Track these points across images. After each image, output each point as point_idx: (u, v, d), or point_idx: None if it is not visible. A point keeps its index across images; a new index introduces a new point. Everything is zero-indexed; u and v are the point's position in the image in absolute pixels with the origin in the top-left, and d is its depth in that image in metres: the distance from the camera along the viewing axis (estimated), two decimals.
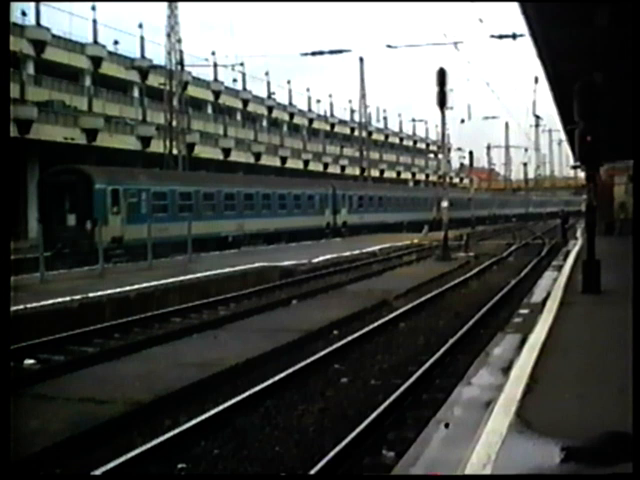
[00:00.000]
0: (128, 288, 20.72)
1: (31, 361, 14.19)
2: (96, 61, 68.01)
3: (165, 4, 62.74)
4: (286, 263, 30.25)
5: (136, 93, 75.26)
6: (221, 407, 10.32)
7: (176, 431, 9.34)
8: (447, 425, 8.69)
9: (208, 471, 8.66)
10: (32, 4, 61.08)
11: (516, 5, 15.72)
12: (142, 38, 72.38)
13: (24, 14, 60.86)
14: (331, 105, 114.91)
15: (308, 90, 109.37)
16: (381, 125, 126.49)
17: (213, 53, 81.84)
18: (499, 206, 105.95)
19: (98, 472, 8.05)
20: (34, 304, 17.28)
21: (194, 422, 9.66)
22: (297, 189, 55.68)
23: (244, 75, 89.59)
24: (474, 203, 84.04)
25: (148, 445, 8.82)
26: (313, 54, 51.60)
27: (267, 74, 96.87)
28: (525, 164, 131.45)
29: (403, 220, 62.36)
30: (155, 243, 30.98)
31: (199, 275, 24.48)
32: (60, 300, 18.32)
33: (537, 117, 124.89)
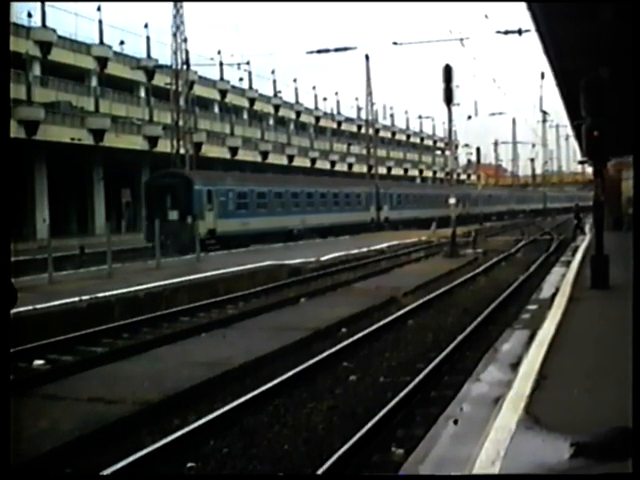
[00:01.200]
0: (136, 288, 20.74)
1: (40, 361, 14.22)
2: (102, 61, 68.12)
3: (170, 4, 62.74)
4: (294, 261, 30.26)
5: (142, 93, 75.32)
6: (230, 406, 10.32)
7: (185, 430, 9.34)
8: (456, 422, 8.68)
9: (217, 470, 8.67)
10: (38, 6, 61.21)
11: (522, 1, 15.71)
12: (148, 38, 72.59)
13: (30, 15, 61.06)
14: (338, 103, 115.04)
15: (314, 88, 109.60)
16: (388, 122, 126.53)
17: (219, 52, 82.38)
18: (517, 202, 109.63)
19: (107, 472, 8.06)
20: (43, 305, 17.31)
21: (203, 421, 9.67)
22: (348, 188, 63.24)
23: (250, 74, 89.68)
24: (494, 199, 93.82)
25: (157, 444, 8.83)
26: (319, 52, 51.61)
27: (273, 72, 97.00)
28: (532, 160, 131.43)
29: (434, 215, 64.41)
30: (239, 235, 42.73)
31: (207, 274, 24.49)
32: (68, 301, 18.35)
33: (544, 113, 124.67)
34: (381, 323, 16.98)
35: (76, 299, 18.56)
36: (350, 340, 15.05)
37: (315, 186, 58.67)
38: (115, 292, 19.92)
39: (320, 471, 8.03)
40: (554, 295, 17.63)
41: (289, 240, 46.87)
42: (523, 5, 15.95)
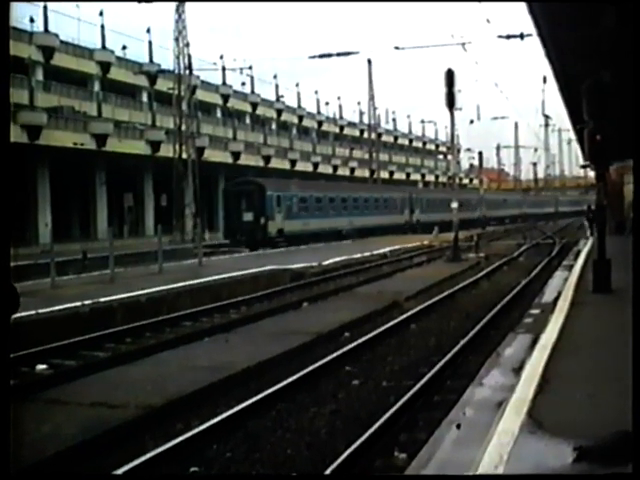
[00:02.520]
0: (139, 292, 20.75)
1: (43, 366, 14.22)
2: (105, 66, 68.22)
3: (173, 9, 62.88)
4: (296, 266, 30.27)
5: (145, 98, 75.45)
6: (233, 410, 10.33)
7: (188, 434, 9.35)
8: (459, 426, 8.68)
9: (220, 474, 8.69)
10: (40, 11, 61.28)
11: (523, 5, 15.74)
12: (150, 43, 72.67)
13: (32, 21, 61.15)
14: (340, 107, 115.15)
15: (317, 92, 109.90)
16: (390, 127, 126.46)
17: (221, 57, 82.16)
18: (529, 206, 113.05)
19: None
20: (45, 309, 17.32)
21: (206, 425, 9.68)
22: (386, 194, 69.98)
23: (252, 78, 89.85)
24: (509, 203, 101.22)
25: (160, 449, 8.83)
26: (321, 57, 51.70)
27: (275, 77, 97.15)
28: (535, 164, 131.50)
29: (470, 217, 72.31)
30: (301, 234, 50.71)
31: (210, 279, 24.50)
32: (71, 305, 18.36)
33: (546, 117, 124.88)
34: (384, 327, 16.99)
35: (79, 304, 18.56)
36: (353, 344, 15.06)
37: (360, 192, 66.32)
38: (117, 297, 19.90)
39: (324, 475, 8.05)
40: (556, 299, 17.61)
41: (339, 239, 53.43)
42: (525, 9, 15.98)
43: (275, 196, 51.71)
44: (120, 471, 8.16)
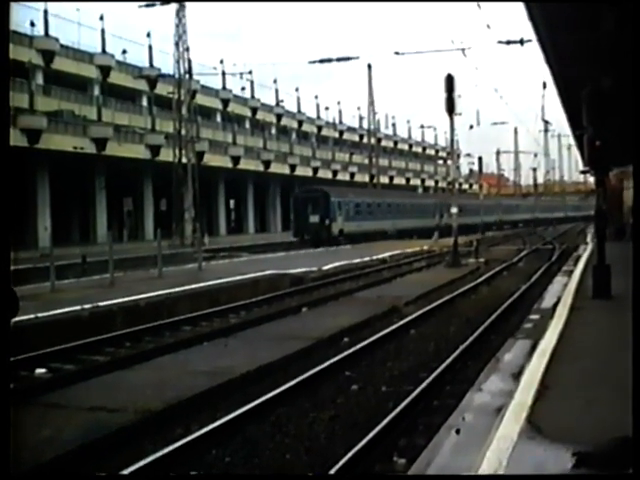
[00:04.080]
0: (138, 297, 20.74)
1: (42, 370, 14.22)
2: (105, 70, 68.36)
3: (173, 13, 62.94)
4: (296, 271, 30.26)
5: (145, 102, 75.61)
6: (232, 415, 10.32)
7: (187, 439, 9.34)
8: (458, 431, 8.69)
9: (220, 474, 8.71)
10: (41, 15, 61.33)
11: (523, 11, 15.76)
12: (150, 47, 72.87)
13: (33, 25, 61.27)
14: (340, 112, 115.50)
15: (316, 97, 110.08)
16: (390, 132, 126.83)
17: (221, 61, 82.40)
18: (541, 211, 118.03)
19: None
20: (45, 313, 17.31)
21: (205, 430, 9.67)
22: (421, 200, 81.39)
23: (252, 83, 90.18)
24: (522, 208, 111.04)
25: (159, 453, 8.82)
26: (321, 62, 51.94)
27: (275, 82, 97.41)
28: (534, 169, 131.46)
29: (479, 222, 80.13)
30: (356, 234, 59.55)
31: (209, 283, 24.50)
32: (71, 309, 18.36)
33: (546, 122, 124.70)
34: (383, 332, 16.97)
35: (78, 308, 18.56)
36: (352, 349, 15.05)
37: (400, 199, 76.95)
38: (117, 301, 19.90)
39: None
40: (556, 305, 17.61)
41: (385, 239, 60.96)
42: (525, 15, 16.00)
43: (337, 202, 61.76)
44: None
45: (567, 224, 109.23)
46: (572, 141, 68.25)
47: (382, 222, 67.58)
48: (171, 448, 9.00)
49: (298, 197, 64.37)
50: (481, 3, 41.51)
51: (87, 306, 18.81)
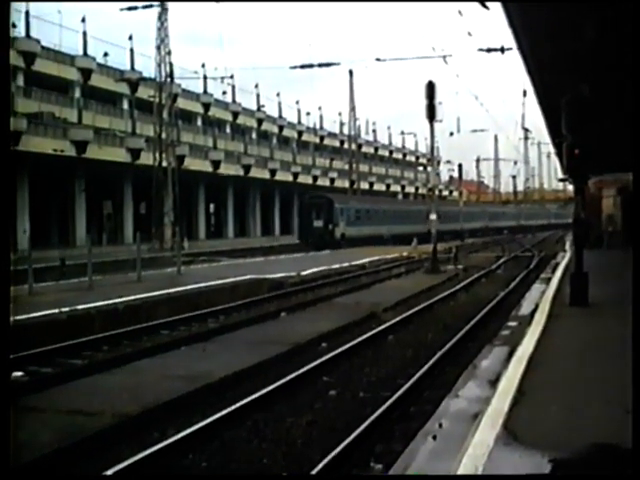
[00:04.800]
0: (117, 300, 20.69)
1: (19, 373, 14.15)
2: (86, 73, 67.99)
3: (155, 17, 62.86)
4: (275, 276, 30.26)
5: (126, 105, 75.30)
6: (209, 420, 10.32)
7: (164, 443, 9.34)
8: (435, 437, 8.72)
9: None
10: (22, 16, 61.10)
11: (504, 19, 15.82)
12: (132, 50, 72.57)
13: (14, 26, 60.87)
14: (320, 118, 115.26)
15: (298, 103, 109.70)
16: (370, 138, 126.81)
17: (203, 65, 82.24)
18: (526, 218, 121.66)
19: None
20: (22, 316, 17.23)
21: (182, 435, 9.66)
22: (415, 207, 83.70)
23: (234, 88, 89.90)
24: (507, 215, 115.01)
25: (136, 457, 8.81)
26: (302, 67, 51.96)
27: (257, 87, 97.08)
28: (514, 177, 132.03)
29: (468, 227, 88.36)
30: (357, 238, 63.03)
31: (188, 287, 24.45)
32: (48, 312, 18.29)
33: (526, 130, 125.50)
34: (361, 338, 16.98)
35: (56, 311, 18.50)
36: (330, 355, 15.06)
37: (396, 206, 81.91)
38: (95, 304, 19.83)
39: None
40: (534, 312, 17.70)
41: (381, 244, 62.46)
42: (506, 23, 16.06)
43: (340, 208, 66.31)
44: None
45: (548, 231, 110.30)
46: (552, 149, 68.57)
47: (379, 227, 71.24)
48: (147, 452, 8.99)
49: (303, 203, 70.04)
50: (463, 11, 41.69)
51: (65, 309, 18.75)
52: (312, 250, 56.76)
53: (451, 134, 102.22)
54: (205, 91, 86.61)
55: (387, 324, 19.20)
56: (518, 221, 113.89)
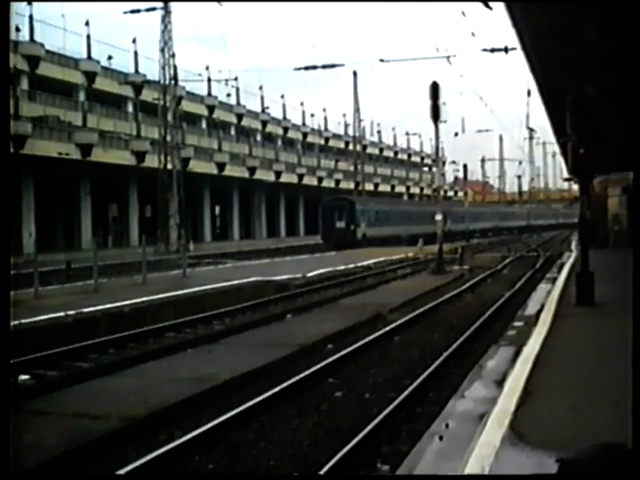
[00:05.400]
0: (123, 303, 20.69)
1: (26, 376, 14.17)
2: (90, 76, 68.08)
3: (159, 19, 62.88)
4: (280, 277, 30.25)
5: (130, 108, 75.38)
6: (215, 422, 10.31)
7: (170, 446, 9.33)
8: (441, 438, 8.71)
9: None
10: (26, 20, 61.17)
11: (508, 19, 15.80)
12: (136, 53, 72.68)
13: (18, 30, 60.95)
14: (325, 119, 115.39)
15: (302, 104, 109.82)
16: (375, 139, 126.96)
17: (207, 68, 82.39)
18: (535, 218, 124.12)
19: None
20: (28, 319, 17.24)
21: (188, 437, 9.66)
22: (429, 208, 77.66)
23: (238, 90, 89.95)
24: (517, 215, 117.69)
25: (142, 460, 8.81)
26: (307, 69, 52.01)
27: (261, 88, 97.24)
28: (519, 177, 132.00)
29: (483, 227, 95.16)
30: (376, 238, 65.54)
31: (194, 290, 24.46)
32: (54, 315, 18.30)
33: (531, 130, 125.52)
34: (367, 339, 16.97)
35: (62, 314, 18.50)
36: (336, 356, 15.06)
37: (412, 207, 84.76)
38: (101, 307, 19.84)
39: None
40: (539, 312, 17.67)
41: (400, 244, 63.88)
42: (509, 24, 16.04)
43: (361, 210, 70.23)
44: None
45: (555, 231, 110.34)
46: (557, 148, 68.67)
47: (397, 228, 73.85)
48: (154, 455, 8.98)
49: (326, 205, 72.34)
50: (466, 11, 41.68)
51: (71, 312, 18.75)
52: (334, 250, 60.06)
53: (456, 134, 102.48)
54: (209, 93, 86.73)
55: (393, 325, 19.18)
56: (528, 221, 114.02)
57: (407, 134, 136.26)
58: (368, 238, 67.13)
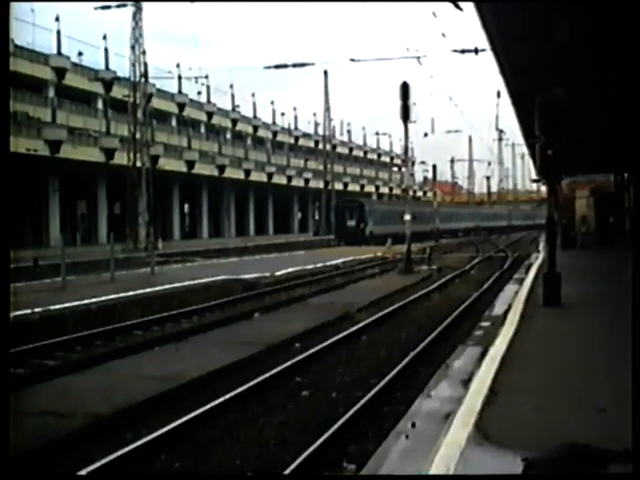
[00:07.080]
0: (90, 301, 20.60)
1: None
2: (60, 72, 67.62)
3: (129, 16, 62.57)
4: (249, 276, 30.22)
5: (100, 105, 74.96)
6: (182, 420, 10.28)
7: (136, 444, 9.30)
8: (407, 437, 8.73)
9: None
10: None
11: (478, 20, 15.84)
12: (106, 50, 72.32)
13: None
14: (295, 118, 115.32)
15: (272, 103, 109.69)
16: (345, 138, 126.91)
17: (178, 65, 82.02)
18: (515, 218, 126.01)
19: None
20: None
21: (154, 435, 9.63)
22: (424, 209, 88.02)
23: (208, 88, 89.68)
24: (497, 216, 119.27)
25: (107, 459, 8.77)
26: (277, 67, 51.90)
27: (231, 87, 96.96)
28: (488, 178, 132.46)
29: (469, 226, 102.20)
30: (382, 235, 66.04)
31: (162, 288, 24.38)
32: (20, 313, 18.15)
33: (500, 131, 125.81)
34: (335, 338, 17.00)
35: (28, 311, 18.38)
36: (303, 355, 15.07)
37: (412, 207, 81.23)
38: (68, 305, 19.74)
39: None
40: (507, 312, 17.74)
41: (401, 242, 64.17)
42: (479, 25, 16.08)
43: (369, 210, 77.84)
44: None
45: (524, 232, 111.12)
46: (526, 150, 69.12)
47: (398, 226, 73.30)
48: (119, 453, 8.95)
49: (338, 206, 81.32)
50: (437, 12, 41.78)
51: (38, 310, 18.65)
52: (345, 245, 68.42)
53: (425, 135, 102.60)
54: (180, 91, 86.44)
55: (361, 324, 19.21)
56: (509, 221, 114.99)
57: (377, 134, 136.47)
58: (375, 235, 72.07)
